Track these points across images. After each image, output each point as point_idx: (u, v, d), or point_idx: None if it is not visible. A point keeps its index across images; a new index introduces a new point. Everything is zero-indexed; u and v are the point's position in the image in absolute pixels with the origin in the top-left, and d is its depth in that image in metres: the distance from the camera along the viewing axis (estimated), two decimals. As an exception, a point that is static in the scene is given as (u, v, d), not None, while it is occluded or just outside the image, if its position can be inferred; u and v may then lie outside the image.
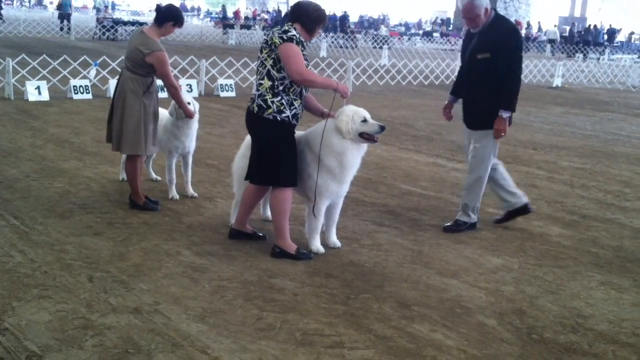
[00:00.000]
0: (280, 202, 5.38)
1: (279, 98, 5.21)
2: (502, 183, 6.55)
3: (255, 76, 5.47)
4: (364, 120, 5.34)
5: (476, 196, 6.40)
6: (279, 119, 5.21)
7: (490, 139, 6.18)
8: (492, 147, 6.25)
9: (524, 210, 6.59)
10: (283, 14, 42.86)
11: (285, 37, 5.16)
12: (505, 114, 6.00)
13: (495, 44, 5.98)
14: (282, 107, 5.21)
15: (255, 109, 5.26)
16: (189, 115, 6.61)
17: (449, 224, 6.49)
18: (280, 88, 5.21)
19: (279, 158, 5.28)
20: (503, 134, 6.09)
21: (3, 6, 41.18)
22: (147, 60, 6.18)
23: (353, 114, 5.33)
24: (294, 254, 5.39)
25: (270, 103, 5.20)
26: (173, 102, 6.64)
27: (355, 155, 5.40)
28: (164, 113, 6.94)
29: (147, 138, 6.36)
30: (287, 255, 5.38)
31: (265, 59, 5.25)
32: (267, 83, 5.23)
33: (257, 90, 5.31)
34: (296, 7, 5.40)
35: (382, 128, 5.37)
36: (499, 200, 6.69)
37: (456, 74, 22.34)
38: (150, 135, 6.42)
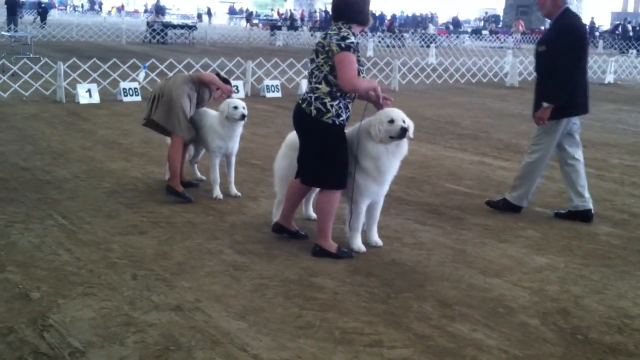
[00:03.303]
0: (329, 203, 5.36)
1: (337, 102, 5.17)
2: (573, 179, 6.63)
3: (309, 78, 5.34)
4: (391, 121, 5.28)
5: (527, 181, 6.68)
6: (337, 122, 5.19)
7: (547, 130, 6.48)
8: (550, 139, 6.49)
9: (585, 215, 6.63)
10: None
11: (343, 45, 5.07)
12: (545, 105, 6.32)
13: (551, 38, 6.41)
14: (340, 111, 5.18)
15: (314, 112, 5.16)
16: (228, 91, 7.09)
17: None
18: (339, 93, 5.17)
19: (334, 161, 5.24)
20: (541, 122, 6.40)
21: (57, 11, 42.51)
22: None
23: (382, 116, 5.29)
24: (335, 253, 5.38)
25: (329, 107, 5.15)
26: (227, 100, 6.88)
27: (390, 159, 5.34)
28: (210, 114, 7.03)
29: (187, 123, 6.82)
30: (327, 254, 5.38)
31: (322, 65, 5.16)
32: (324, 88, 5.15)
33: (313, 92, 5.20)
34: (348, 4, 5.25)
35: (403, 130, 5.23)
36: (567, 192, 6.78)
37: (505, 71, 22.03)
38: (189, 122, 6.85)
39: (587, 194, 6.62)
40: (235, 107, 6.78)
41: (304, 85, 15.81)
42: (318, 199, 5.51)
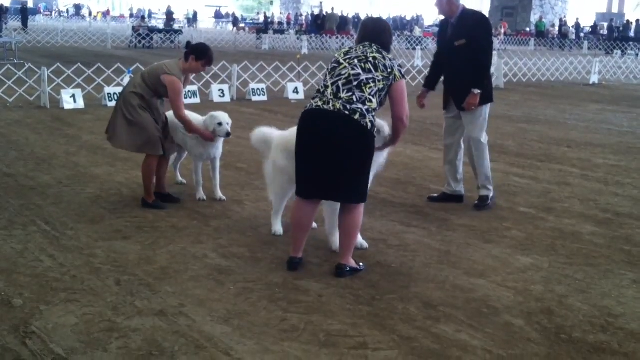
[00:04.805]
0: (360, 216, 5.15)
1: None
2: (457, 165, 7.21)
3: (351, 85, 4.91)
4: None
5: (487, 167, 7.08)
6: None
7: (479, 116, 6.93)
8: (482, 122, 6.99)
9: (459, 199, 7.26)
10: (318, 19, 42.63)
11: (402, 73, 5.06)
12: (476, 91, 6.77)
13: (470, 31, 6.76)
14: None
15: (369, 125, 4.86)
16: (208, 139, 6.70)
17: (477, 202, 7.14)
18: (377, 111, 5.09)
19: (369, 174, 5.11)
20: (473, 107, 6.82)
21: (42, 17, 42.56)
22: (162, 78, 6.40)
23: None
24: (360, 268, 5.20)
25: (374, 121, 5.00)
26: (211, 114, 6.73)
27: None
28: (194, 117, 6.97)
29: (153, 138, 6.54)
30: (356, 271, 5.16)
31: (380, 80, 4.95)
32: (374, 103, 4.95)
33: (363, 104, 4.86)
34: (379, 28, 5.20)
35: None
36: (446, 179, 7.32)
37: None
38: (158, 135, 6.57)
39: (462, 181, 7.31)
40: (220, 124, 6.65)
41: (291, 89, 15.85)
42: (348, 217, 5.08)
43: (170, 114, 6.81)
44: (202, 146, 6.81)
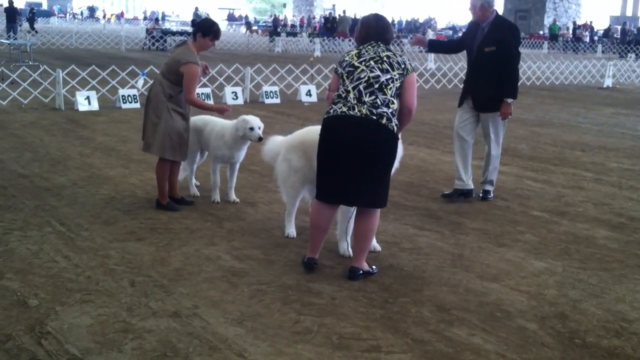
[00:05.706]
0: (377, 221, 5.15)
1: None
2: (469, 158, 7.47)
3: (373, 88, 4.88)
4: None
5: (498, 161, 7.55)
6: None
7: (499, 118, 7.25)
8: (503, 124, 7.36)
9: (469, 194, 7.45)
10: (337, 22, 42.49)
11: (412, 67, 5.05)
12: (510, 100, 7.09)
13: (500, 39, 7.00)
14: None
15: (395, 128, 4.87)
16: (224, 112, 6.70)
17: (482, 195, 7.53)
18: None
19: (390, 179, 5.10)
20: (509, 116, 7.22)
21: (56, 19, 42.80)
22: (181, 69, 6.37)
23: None
24: (372, 271, 5.20)
25: (398, 124, 4.99)
26: (243, 118, 6.70)
27: None
28: (217, 121, 6.98)
29: (172, 143, 6.53)
30: (368, 274, 5.16)
31: (397, 79, 4.93)
32: (396, 104, 4.95)
33: (388, 107, 4.87)
34: (382, 26, 5.15)
35: None
36: (457, 173, 7.47)
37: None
38: (176, 141, 6.55)
39: (471, 175, 7.56)
40: (252, 129, 6.60)
41: (304, 92, 15.87)
42: (365, 221, 5.06)
43: (192, 119, 6.86)
44: (227, 148, 6.82)
